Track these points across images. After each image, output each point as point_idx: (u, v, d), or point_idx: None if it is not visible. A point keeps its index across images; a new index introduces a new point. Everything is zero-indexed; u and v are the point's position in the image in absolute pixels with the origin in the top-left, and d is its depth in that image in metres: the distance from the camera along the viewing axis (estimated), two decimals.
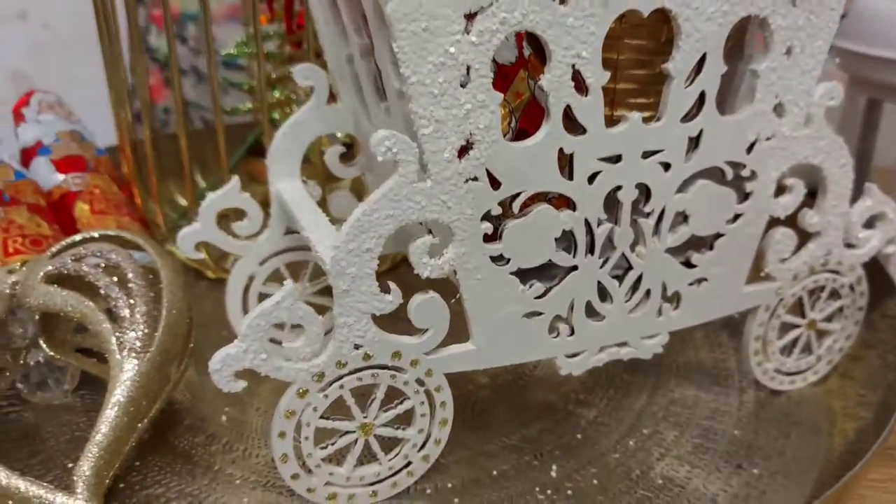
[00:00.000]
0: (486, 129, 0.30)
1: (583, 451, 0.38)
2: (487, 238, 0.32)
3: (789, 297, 0.40)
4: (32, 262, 0.40)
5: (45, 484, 0.33)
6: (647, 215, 0.35)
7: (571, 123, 0.31)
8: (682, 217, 0.35)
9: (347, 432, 0.34)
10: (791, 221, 0.38)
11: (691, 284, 0.37)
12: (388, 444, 0.35)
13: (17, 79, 0.89)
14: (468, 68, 0.29)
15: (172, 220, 0.53)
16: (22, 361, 0.41)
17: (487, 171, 0.31)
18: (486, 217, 0.32)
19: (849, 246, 0.40)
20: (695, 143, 0.34)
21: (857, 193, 0.39)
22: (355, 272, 0.30)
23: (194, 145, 0.51)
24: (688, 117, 0.33)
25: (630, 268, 0.35)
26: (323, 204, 0.40)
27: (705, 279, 0.37)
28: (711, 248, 0.37)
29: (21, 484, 0.33)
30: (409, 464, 0.35)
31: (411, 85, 0.28)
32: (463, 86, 0.29)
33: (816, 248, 0.39)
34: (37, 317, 0.41)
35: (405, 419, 0.34)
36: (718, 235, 0.37)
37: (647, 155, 0.33)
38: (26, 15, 0.88)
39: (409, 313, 0.32)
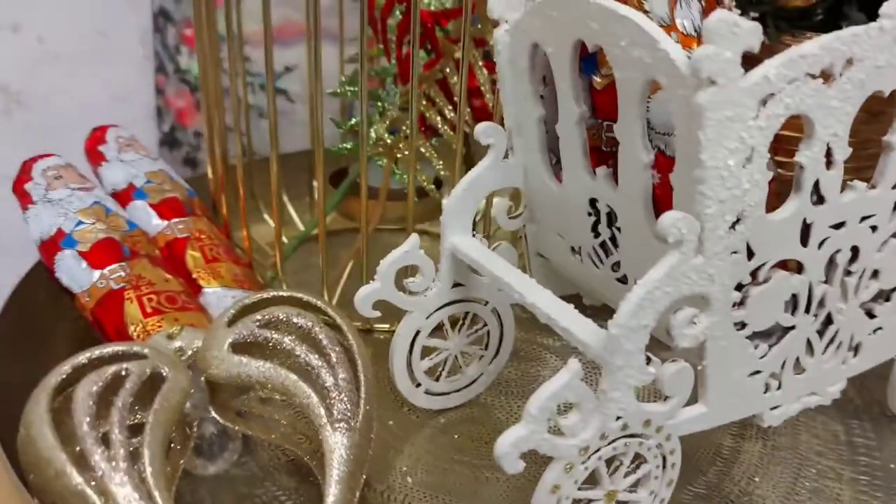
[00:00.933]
0: (756, 206, 0.31)
1: (766, 495, 0.40)
2: (733, 306, 0.33)
3: None
4: (212, 330, 0.38)
5: None
6: (851, 274, 0.36)
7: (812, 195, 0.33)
8: (874, 273, 0.38)
9: (595, 501, 0.34)
10: None
11: (870, 334, 0.39)
12: None
13: (7, 94, 0.82)
14: (752, 150, 0.30)
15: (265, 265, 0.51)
16: (195, 431, 0.39)
17: (747, 244, 0.32)
18: (737, 287, 0.33)
19: None
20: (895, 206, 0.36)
21: None
22: (631, 348, 0.31)
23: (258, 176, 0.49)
24: None
25: (831, 322, 0.37)
26: None
27: (881, 328, 0.40)
28: (888, 299, 0.39)
29: None
30: None
31: (707, 169, 0.29)
32: (744, 167, 0.30)
33: None
34: (205, 384, 0.39)
35: (642, 481, 0.35)
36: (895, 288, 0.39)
37: (863, 219, 0.35)
38: (19, 27, 0.81)
39: (661, 382, 0.33)
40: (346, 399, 0.36)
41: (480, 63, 0.52)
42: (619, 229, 0.37)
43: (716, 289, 0.32)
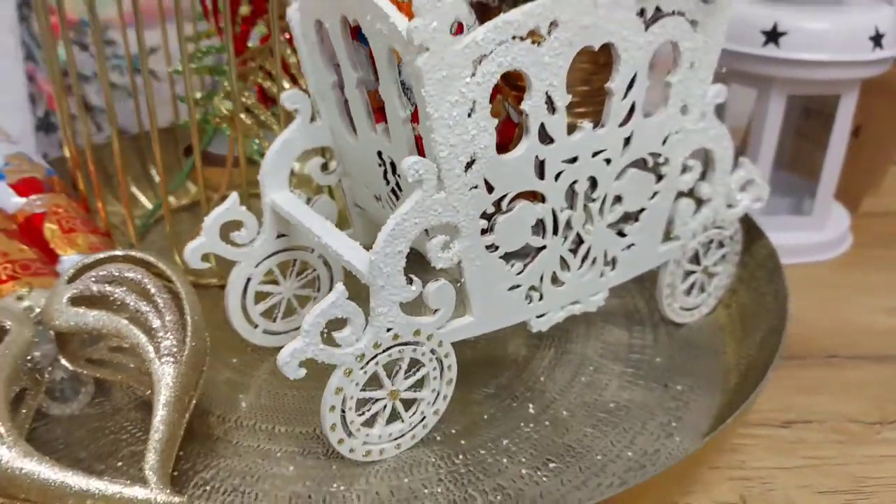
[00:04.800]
0: (485, 148, 0.38)
1: (547, 389, 0.48)
2: (483, 232, 0.40)
3: (690, 251, 0.51)
4: (54, 287, 0.44)
5: (121, 481, 0.38)
6: (594, 200, 0.44)
7: (542, 136, 0.40)
8: (617, 198, 0.45)
9: (379, 399, 0.41)
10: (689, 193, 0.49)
11: (624, 249, 0.47)
12: (408, 405, 0.42)
13: None
14: (474, 102, 0.36)
15: (138, 226, 0.57)
16: (46, 378, 0.45)
17: (485, 179, 0.39)
18: (483, 215, 0.40)
19: (729, 206, 0.51)
20: (627, 141, 0.44)
21: None
22: (390, 271, 0.38)
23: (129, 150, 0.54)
24: (623, 123, 0.43)
25: (582, 242, 0.45)
26: None
27: (634, 244, 0.47)
28: (637, 219, 0.47)
29: (101, 484, 0.38)
30: (423, 418, 0.43)
31: (434, 119, 0.36)
32: (469, 116, 0.37)
33: (708, 211, 0.50)
34: (53, 335, 0.44)
35: (420, 383, 0.42)
36: (642, 209, 0.47)
37: (595, 154, 0.42)
38: None
39: (426, 298, 0.40)
40: (171, 337, 0.42)
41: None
42: (399, 176, 0.44)
43: (461, 218, 0.39)
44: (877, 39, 0.56)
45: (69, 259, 0.52)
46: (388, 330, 0.39)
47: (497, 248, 0.41)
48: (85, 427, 0.45)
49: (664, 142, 0.45)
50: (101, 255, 0.45)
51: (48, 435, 0.44)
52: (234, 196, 0.46)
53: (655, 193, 0.46)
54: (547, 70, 0.38)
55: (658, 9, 0.41)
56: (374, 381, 0.40)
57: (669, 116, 0.44)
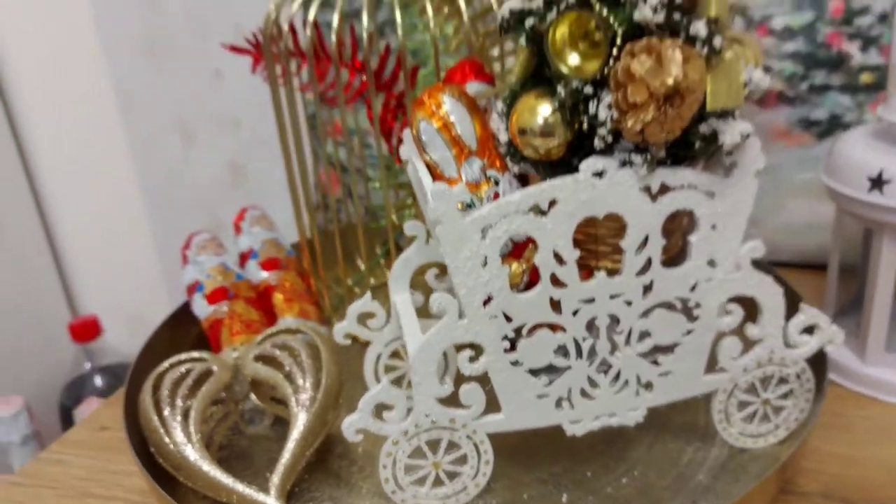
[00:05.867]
0: (500, 289, 0.50)
1: (588, 484, 0.57)
2: (508, 349, 0.52)
3: (742, 384, 0.56)
4: (247, 346, 0.64)
5: (254, 487, 0.57)
6: (619, 333, 0.53)
7: (554, 280, 0.50)
8: (645, 333, 0.53)
9: (424, 467, 0.54)
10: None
11: (660, 376, 0.54)
12: (451, 476, 0.55)
13: (234, 168, 1.17)
14: (486, 257, 0.49)
15: (335, 300, 0.76)
16: (240, 407, 0.66)
17: (503, 311, 0.50)
18: (506, 337, 0.51)
19: (789, 346, 0.55)
20: (649, 287, 0.52)
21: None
22: (424, 372, 0.51)
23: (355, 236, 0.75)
24: (641, 272, 0.51)
25: (610, 366, 0.54)
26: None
27: (670, 372, 0.54)
28: (671, 351, 0.54)
29: (240, 486, 0.57)
30: (465, 487, 0.56)
31: (452, 269, 0.49)
32: (483, 266, 0.49)
33: (761, 350, 0.55)
34: (249, 379, 0.65)
35: (462, 460, 0.55)
36: (676, 344, 0.54)
37: (613, 297, 0.51)
38: (239, 122, 1.16)
39: (460, 396, 0.52)
40: (308, 392, 0.60)
41: None
42: None
43: (485, 339, 0.51)
44: None
45: (283, 321, 0.73)
46: (427, 416, 0.52)
47: (521, 363, 0.52)
48: (259, 444, 0.65)
49: (693, 288, 0.52)
50: (280, 328, 0.65)
51: (237, 444, 0.65)
52: (367, 294, 0.63)
53: (689, 331, 0.53)
54: (551, 235, 0.49)
55: (664, 185, 0.49)
56: (421, 451, 0.54)
57: (694, 268, 0.51)
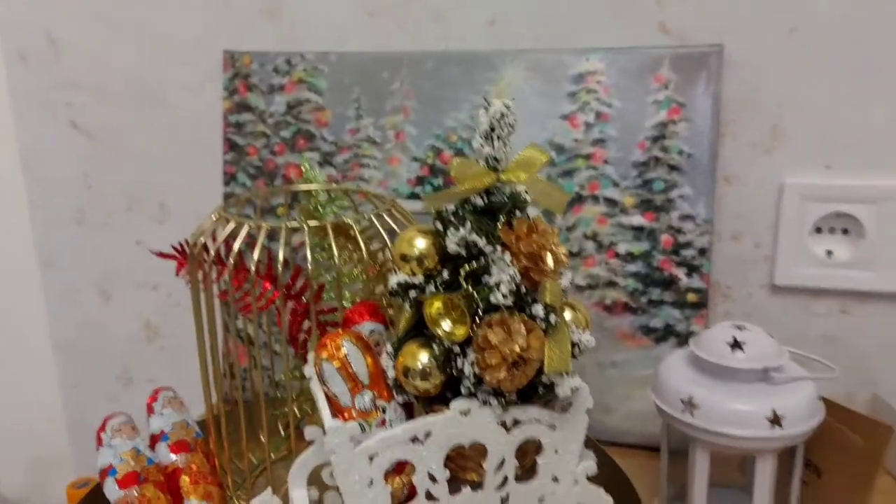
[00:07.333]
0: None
1: None
2: None
3: None
4: None
5: None
6: None
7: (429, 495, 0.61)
8: None
9: None
10: None
11: None
12: None
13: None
14: (371, 479, 0.59)
15: (238, 477, 0.85)
16: None
17: None
18: None
19: None
20: (506, 499, 0.63)
21: None
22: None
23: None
24: (499, 488, 0.63)
25: None
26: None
27: None
28: None
29: None
30: None
31: (343, 490, 0.59)
32: (369, 486, 0.60)
33: None
34: None
35: None
36: None
37: None
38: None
39: None
40: None
41: None
42: None
43: None
44: (775, 420, 0.70)
45: (188, 502, 0.81)
46: None
47: None
48: None
49: (541, 500, 0.64)
50: None
51: None
52: (268, 490, 0.72)
53: None
54: (426, 460, 0.60)
55: (516, 420, 0.61)
56: None
57: (541, 485, 0.64)
